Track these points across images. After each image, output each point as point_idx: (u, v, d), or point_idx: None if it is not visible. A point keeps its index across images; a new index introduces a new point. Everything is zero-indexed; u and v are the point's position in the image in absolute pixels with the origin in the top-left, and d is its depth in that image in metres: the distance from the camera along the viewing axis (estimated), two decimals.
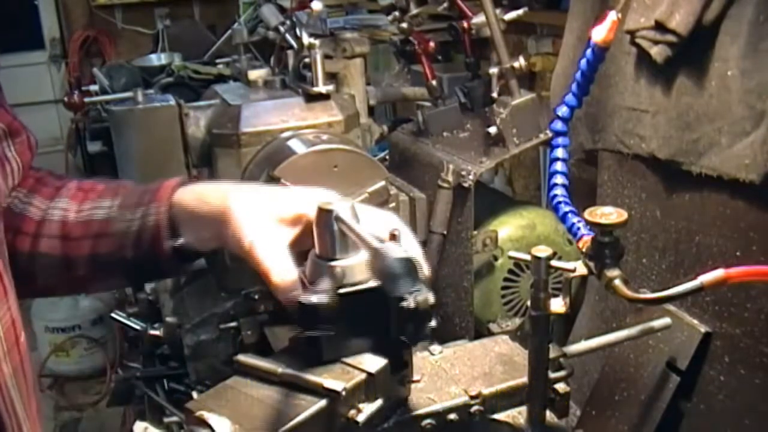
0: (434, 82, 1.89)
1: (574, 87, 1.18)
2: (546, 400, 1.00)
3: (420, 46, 1.86)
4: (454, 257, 1.62)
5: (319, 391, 0.83)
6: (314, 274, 0.87)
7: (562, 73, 1.45)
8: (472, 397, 0.95)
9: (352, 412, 0.85)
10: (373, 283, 0.84)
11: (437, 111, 1.80)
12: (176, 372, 1.87)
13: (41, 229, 1.04)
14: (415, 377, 0.95)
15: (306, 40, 1.72)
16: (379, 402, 0.87)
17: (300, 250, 0.93)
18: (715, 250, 1.16)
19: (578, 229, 1.10)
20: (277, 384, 0.86)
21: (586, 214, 0.97)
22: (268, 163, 1.54)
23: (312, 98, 1.66)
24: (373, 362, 0.87)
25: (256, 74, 1.85)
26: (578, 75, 1.16)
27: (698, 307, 1.19)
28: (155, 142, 1.66)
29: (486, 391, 0.96)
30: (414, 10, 1.77)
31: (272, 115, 1.64)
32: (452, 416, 0.94)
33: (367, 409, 0.85)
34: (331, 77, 1.88)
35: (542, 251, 0.95)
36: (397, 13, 1.80)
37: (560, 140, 1.19)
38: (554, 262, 0.97)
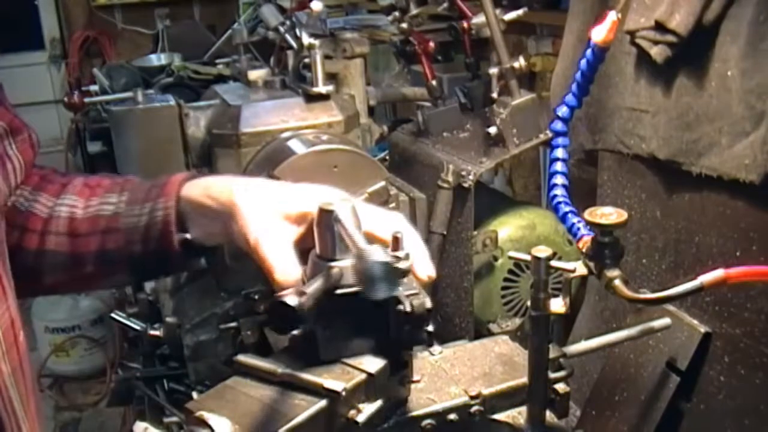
0: (434, 83, 1.89)
1: (574, 87, 1.17)
2: (546, 400, 1.00)
3: (420, 46, 1.86)
4: (454, 257, 1.62)
5: (319, 391, 0.83)
6: (314, 274, 0.87)
7: (562, 74, 1.45)
8: (472, 398, 0.95)
9: (352, 412, 0.85)
10: None
11: (437, 111, 1.80)
12: (176, 372, 1.87)
13: (48, 226, 1.04)
14: (415, 377, 0.95)
15: (306, 40, 1.72)
16: (379, 402, 0.87)
17: (305, 248, 0.93)
18: (715, 250, 1.16)
19: (578, 229, 1.10)
20: (277, 384, 0.86)
21: (586, 215, 0.97)
22: (268, 164, 1.54)
23: (312, 98, 1.66)
24: (373, 362, 0.87)
25: (256, 74, 1.85)
26: (578, 75, 1.16)
27: (698, 307, 1.19)
28: (155, 142, 1.66)
29: (486, 391, 0.96)
30: (414, 11, 1.77)
31: (272, 116, 1.64)
32: (452, 416, 0.94)
33: (367, 410, 0.85)
34: (331, 77, 1.88)
35: (542, 251, 0.95)
36: (397, 14, 1.80)
37: (560, 140, 1.19)
38: (554, 263, 0.97)
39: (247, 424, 0.79)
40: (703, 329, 1.17)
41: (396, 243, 0.86)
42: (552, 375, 0.99)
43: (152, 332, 1.77)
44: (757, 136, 1.02)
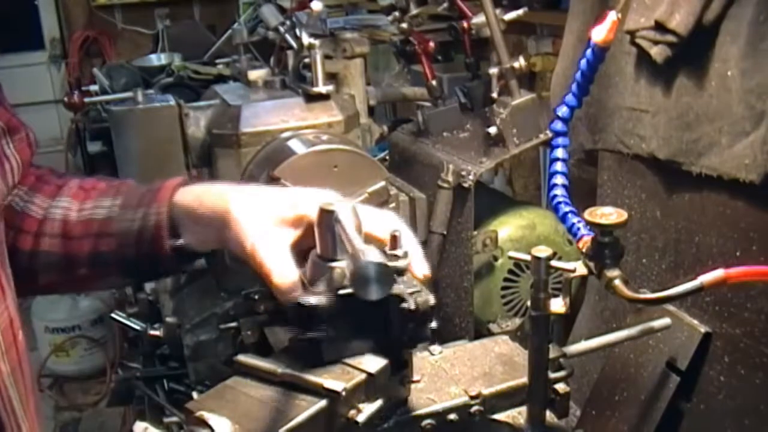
0: (434, 82, 1.89)
1: (574, 87, 1.17)
2: (546, 400, 1.00)
3: (420, 46, 1.86)
4: (454, 257, 1.62)
5: (319, 391, 0.83)
6: (315, 275, 0.88)
7: (562, 73, 1.45)
8: (472, 397, 0.95)
9: (352, 412, 0.85)
10: None
11: (437, 111, 1.80)
12: (176, 372, 1.88)
13: (43, 228, 1.04)
14: (415, 377, 0.95)
15: (306, 40, 1.72)
16: (379, 402, 0.87)
17: (301, 250, 0.93)
18: (715, 250, 1.16)
19: (578, 229, 1.10)
20: (277, 384, 0.86)
21: (586, 215, 0.97)
22: (268, 163, 1.54)
23: (312, 98, 1.66)
24: (373, 362, 0.87)
25: (256, 74, 1.85)
26: (578, 75, 1.16)
27: (698, 307, 1.19)
28: (155, 142, 1.66)
29: (486, 391, 0.96)
30: (414, 10, 1.77)
31: (272, 116, 1.64)
32: (452, 416, 0.94)
33: (367, 409, 0.85)
34: (331, 77, 1.88)
35: (542, 251, 0.95)
36: (397, 13, 1.80)
37: (560, 140, 1.19)
38: (554, 262, 0.97)
39: (247, 424, 0.79)
40: (703, 329, 1.17)
41: (394, 241, 0.86)
42: (552, 375, 0.99)
43: (152, 332, 1.77)
44: (757, 136, 1.02)
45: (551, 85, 1.50)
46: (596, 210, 0.96)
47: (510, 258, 1.57)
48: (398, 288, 0.85)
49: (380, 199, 1.54)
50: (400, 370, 0.90)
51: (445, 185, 1.57)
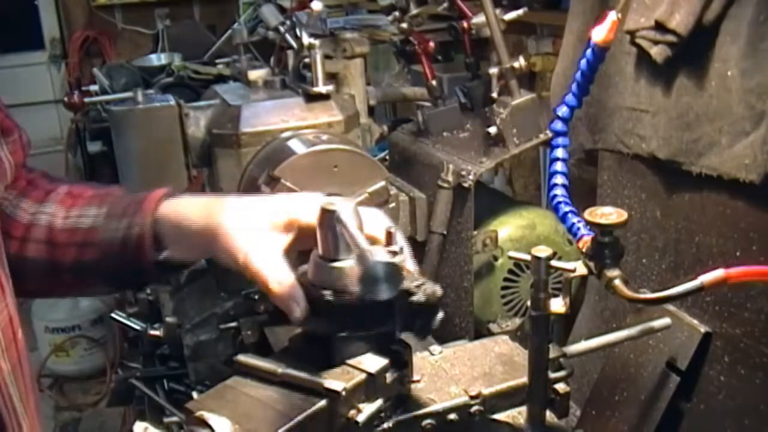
0: (434, 82, 1.89)
1: (574, 87, 1.17)
2: (546, 400, 1.00)
3: (420, 46, 1.86)
4: (454, 257, 1.62)
5: (319, 391, 0.83)
6: (316, 275, 0.87)
7: (562, 73, 1.45)
8: (472, 397, 0.95)
9: (352, 412, 0.85)
10: None
11: (437, 111, 1.80)
12: (176, 372, 1.87)
13: (29, 233, 1.04)
14: (415, 377, 0.95)
15: (306, 40, 1.72)
16: (379, 402, 0.87)
17: (294, 254, 0.93)
18: (715, 250, 1.16)
19: (578, 229, 1.10)
20: (277, 384, 0.86)
21: (586, 214, 0.97)
22: (268, 163, 1.54)
23: (312, 98, 1.66)
24: (373, 362, 0.87)
25: (256, 74, 1.85)
26: (578, 75, 1.16)
27: (698, 307, 1.19)
28: (155, 142, 1.66)
29: (486, 391, 0.96)
30: (414, 10, 1.77)
31: (272, 116, 1.64)
32: (452, 416, 0.94)
33: (367, 409, 0.85)
34: (331, 77, 1.88)
35: (542, 251, 0.95)
36: (397, 13, 1.80)
37: (560, 140, 1.19)
38: (554, 262, 0.97)
39: (247, 424, 0.79)
40: (703, 329, 1.17)
41: (389, 238, 0.86)
42: (552, 375, 0.99)
43: (152, 332, 1.77)
44: (757, 136, 1.02)
45: (551, 85, 1.50)
46: (596, 210, 0.96)
47: (510, 258, 1.57)
48: (405, 284, 0.85)
49: (380, 199, 1.54)
50: (399, 369, 0.90)
51: (445, 185, 1.57)
